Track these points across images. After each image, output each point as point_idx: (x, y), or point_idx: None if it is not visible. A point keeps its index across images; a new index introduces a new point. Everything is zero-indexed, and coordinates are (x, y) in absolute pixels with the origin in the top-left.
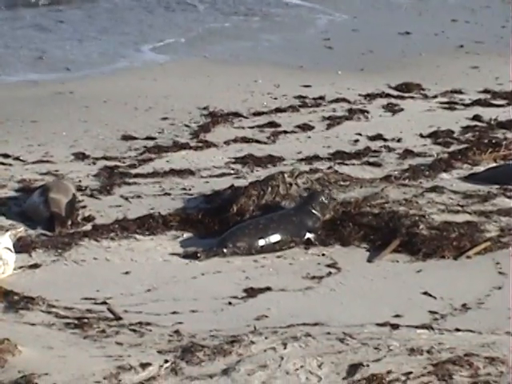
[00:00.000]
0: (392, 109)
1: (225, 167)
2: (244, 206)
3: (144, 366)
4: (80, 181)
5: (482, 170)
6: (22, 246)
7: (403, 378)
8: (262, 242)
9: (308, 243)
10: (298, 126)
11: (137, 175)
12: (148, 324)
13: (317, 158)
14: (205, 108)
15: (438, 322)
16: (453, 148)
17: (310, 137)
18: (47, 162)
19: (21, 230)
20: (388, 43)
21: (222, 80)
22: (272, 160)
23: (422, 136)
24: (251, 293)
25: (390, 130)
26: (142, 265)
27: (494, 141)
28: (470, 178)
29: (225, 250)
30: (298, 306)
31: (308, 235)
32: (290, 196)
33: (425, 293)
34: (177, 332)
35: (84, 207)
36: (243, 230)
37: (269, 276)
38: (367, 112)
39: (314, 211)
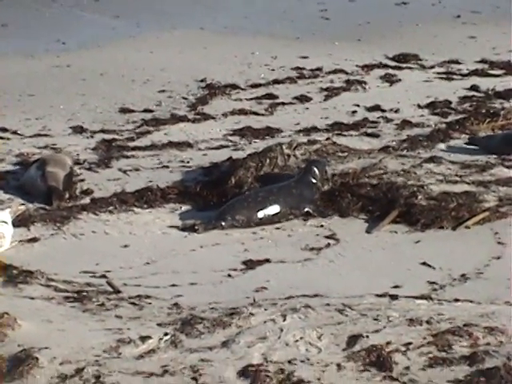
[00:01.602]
0: (389, 79)
1: (223, 139)
2: (242, 178)
3: (143, 338)
4: (78, 154)
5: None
6: (20, 221)
7: (403, 349)
8: (260, 215)
9: (307, 215)
10: (296, 98)
11: (135, 148)
12: (147, 297)
13: (315, 129)
14: (202, 80)
15: (437, 293)
16: (450, 118)
17: (307, 108)
18: (45, 135)
19: (21, 208)
20: (385, 13)
21: (219, 52)
22: (270, 132)
23: (419, 106)
24: (250, 265)
25: (388, 100)
26: (141, 238)
27: (491, 111)
28: (471, 141)
29: (223, 223)
30: (297, 277)
31: (307, 208)
32: (288, 168)
33: (423, 263)
34: (176, 305)
35: (82, 181)
36: (242, 202)
37: (267, 248)
38: (365, 83)
39: (313, 181)
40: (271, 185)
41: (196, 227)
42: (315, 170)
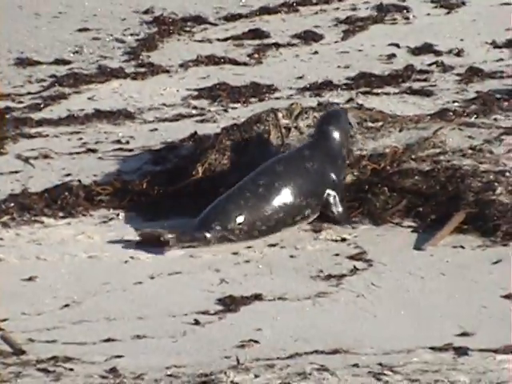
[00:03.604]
0: (447, 3)
1: (182, 105)
2: (214, 167)
3: None
4: None
5: None
6: None
7: None
8: (268, 217)
9: (328, 208)
10: (298, 36)
11: (42, 122)
12: (67, 359)
13: (329, 85)
14: (147, 11)
15: None
16: None
17: (316, 52)
18: None
19: None
20: None
21: None
22: (257, 90)
23: (495, 45)
24: (230, 305)
25: (445, 36)
26: (55, 265)
27: None
28: None
29: (208, 235)
30: (306, 323)
31: (330, 192)
32: (287, 147)
33: (507, 296)
34: (113, 371)
35: None
36: (235, 199)
37: (258, 277)
38: (407, 9)
39: (336, 147)
40: (267, 162)
41: (165, 238)
42: (335, 129)
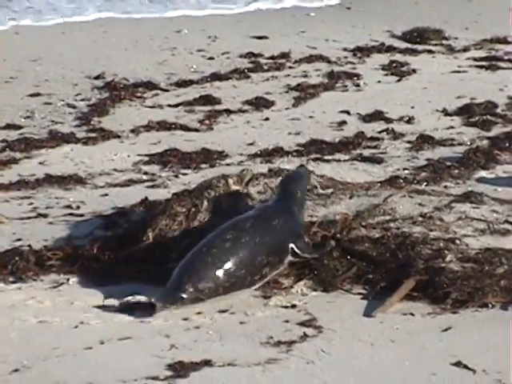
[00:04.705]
0: (398, 71)
1: (133, 170)
2: (165, 232)
3: None
4: None
5: None
6: None
7: None
8: (236, 273)
9: (296, 257)
10: (249, 102)
11: None
12: None
13: (280, 151)
14: (98, 77)
15: None
16: (495, 131)
17: (267, 119)
18: None
19: None
20: None
21: (124, 32)
22: (208, 157)
23: (446, 113)
24: (180, 370)
25: (395, 104)
26: (5, 330)
27: None
28: None
29: (183, 295)
30: None
31: (293, 244)
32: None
33: (457, 364)
34: None
35: None
36: (204, 256)
37: (208, 343)
38: (358, 76)
39: (295, 206)
40: (234, 218)
41: (152, 301)
42: (296, 187)
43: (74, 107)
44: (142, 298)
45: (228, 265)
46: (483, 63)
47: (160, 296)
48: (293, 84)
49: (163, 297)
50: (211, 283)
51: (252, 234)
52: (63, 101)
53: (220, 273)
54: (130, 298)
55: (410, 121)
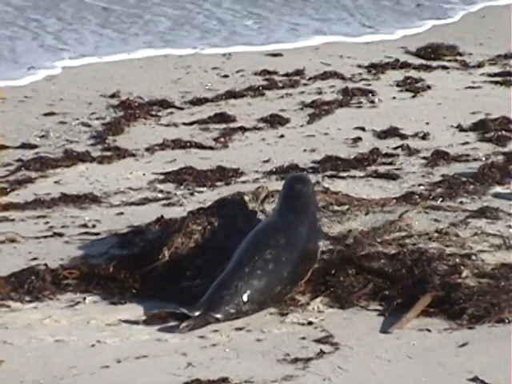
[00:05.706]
0: (412, 87)
1: (148, 189)
2: (181, 251)
3: None
4: None
5: None
6: None
7: None
8: (275, 292)
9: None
10: (264, 120)
11: (8, 206)
12: None
13: (295, 168)
14: (113, 95)
15: None
16: (511, 146)
17: (282, 136)
18: None
19: None
20: None
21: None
22: (223, 174)
23: (461, 129)
24: None
25: (410, 120)
26: (21, 349)
27: None
28: None
29: (218, 316)
30: None
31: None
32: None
33: (473, 379)
34: None
35: None
36: (239, 275)
37: (224, 360)
38: (373, 93)
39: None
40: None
41: (182, 325)
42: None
43: (88, 126)
44: (185, 311)
45: (269, 285)
46: (498, 79)
47: (192, 315)
48: (307, 101)
49: (195, 316)
50: (255, 305)
51: (288, 250)
52: (78, 120)
53: (260, 294)
54: (155, 311)
55: (424, 137)
